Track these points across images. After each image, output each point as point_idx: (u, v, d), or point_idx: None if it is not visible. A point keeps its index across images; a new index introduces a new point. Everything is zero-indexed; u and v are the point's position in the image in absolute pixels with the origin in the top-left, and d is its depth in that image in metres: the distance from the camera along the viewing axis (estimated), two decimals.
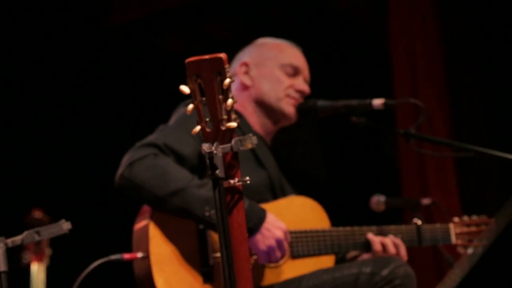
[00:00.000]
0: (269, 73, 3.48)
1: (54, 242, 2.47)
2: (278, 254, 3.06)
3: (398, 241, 3.34)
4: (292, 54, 3.55)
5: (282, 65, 3.49)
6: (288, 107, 3.46)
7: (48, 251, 4.13)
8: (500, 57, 5.79)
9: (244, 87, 3.50)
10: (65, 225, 2.38)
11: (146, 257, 3.00)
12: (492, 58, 5.82)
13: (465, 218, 3.63)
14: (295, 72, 3.51)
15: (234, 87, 3.50)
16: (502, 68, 5.79)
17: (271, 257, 3.05)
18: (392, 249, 3.30)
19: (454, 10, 5.87)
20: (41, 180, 5.80)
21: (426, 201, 3.60)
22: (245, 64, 3.52)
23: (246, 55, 3.56)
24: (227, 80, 1.98)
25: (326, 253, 3.26)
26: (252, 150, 3.24)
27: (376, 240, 3.31)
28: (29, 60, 5.94)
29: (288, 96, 3.46)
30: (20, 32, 5.90)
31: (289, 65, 3.49)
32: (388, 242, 3.31)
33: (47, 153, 5.88)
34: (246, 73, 3.51)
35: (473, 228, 3.60)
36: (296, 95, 3.48)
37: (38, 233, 2.36)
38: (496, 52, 5.80)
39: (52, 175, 5.86)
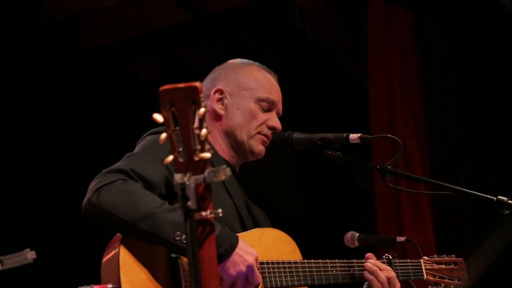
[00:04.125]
0: (244, 105, 3.39)
1: (23, 272, 2.40)
2: (250, 281, 3.00)
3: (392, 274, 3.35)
4: (269, 87, 3.46)
5: (259, 100, 3.40)
6: (257, 145, 3.40)
7: None
8: (479, 91, 5.82)
9: (216, 115, 3.41)
10: (30, 254, 2.29)
11: None
12: (472, 93, 5.84)
13: (434, 256, 3.63)
14: (270, 106, 3.43)
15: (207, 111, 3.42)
16: (481, 103, 5.82)
17: (240, 284, 3.00)
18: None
19: (432, 43, 5.90)
20: (9, 209, 5.72)
21: (400, 238, 3.57)
22: (220, 91, 3.42)
23: (221, 79, 3.45)
24: (202, 110, 1.93)
25: (299, 284, 3.21)
26: None
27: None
28: None
29: (259, 133, 3.40)
30: None
31: (265, 100, 3.41)
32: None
33: (14, 179, 5.79)
34: (220, 100, 3.42)
35: (443, 266, 3.59)
36: (268, 132, 3.41)
37: (1, 262, 2.27)
38: (476, 87, 5.83)
39: (18, 203, 5.78)
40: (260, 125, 3.40)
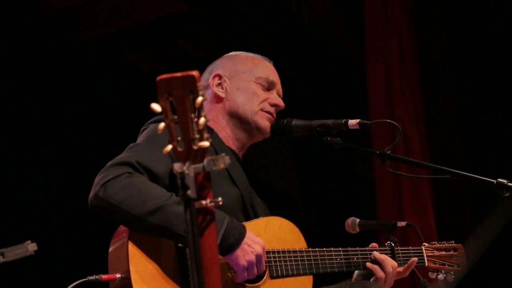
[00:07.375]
0: (244, 85, 3.42)
1: (32, 262, 2.39)
2: (258, 269, 3.01)
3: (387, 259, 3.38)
4: (267, 68, 3.49)
5: (258, 78, 3.43)
6: (263, 121, 3.41)
7: None
8: (478, 77, 5.81)
9: (217, 100, 3.43)
10: (31, 246, 2.28)
11: (125, 278, 2.91)
12: (469, 79, 5.84)
13: (435, 243, 3.65)
14: (269, 86, 3.46)
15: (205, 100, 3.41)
16: (480, 88, 5.81)
17: (250, 273, 3.00)
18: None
19: (430, 28, 5.89)
20: (20, 201, 5.72)
21: (401, 223, 3.57)
22: (218, 76, 3.44)
23: (218, 67, 3.49)
24: (200, 99, 1.92)
25: (304, 273, 3.22)
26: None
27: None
28: None
29: (263, 110, 3.41)
30: None
31: (264, 79, 3.44)
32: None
33: (14, 170, 5.79)
34: (220, 85, 3.43)
35: (443, 253, 3.62)
36: (271, 109, 3.43)
37: (2, 254, 2.26)
38: (473, 72, 5.82)
39: (19, 195, 5.78)
40: (262, 101, 3.42)
